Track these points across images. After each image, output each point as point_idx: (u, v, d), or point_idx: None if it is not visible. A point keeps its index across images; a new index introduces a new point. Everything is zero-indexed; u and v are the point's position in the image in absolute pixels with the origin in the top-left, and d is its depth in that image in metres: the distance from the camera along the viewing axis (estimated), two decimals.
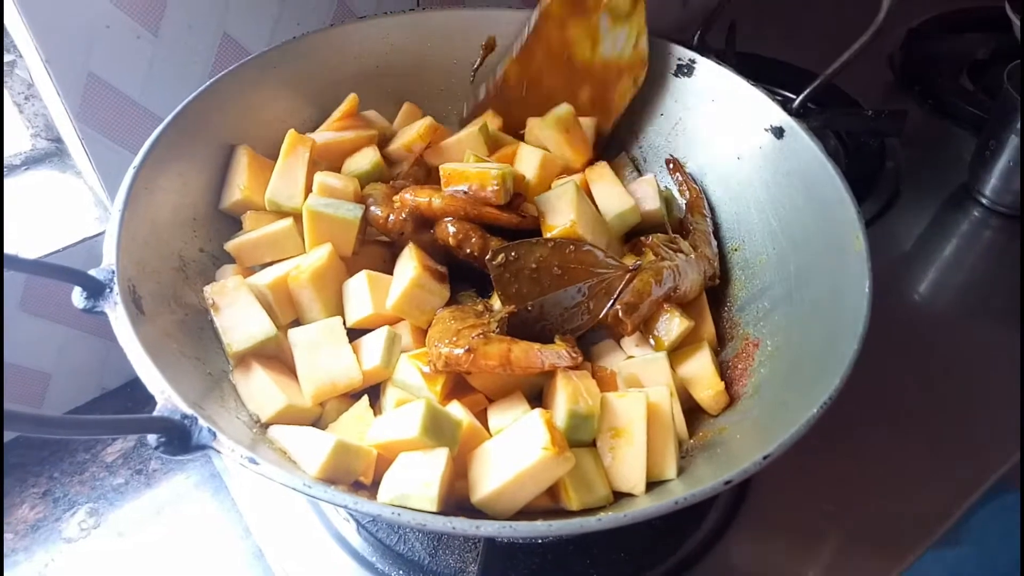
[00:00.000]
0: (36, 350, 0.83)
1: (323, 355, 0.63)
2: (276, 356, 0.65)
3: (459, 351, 0.59)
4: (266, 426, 0.60)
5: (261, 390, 0.62)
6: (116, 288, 0.54)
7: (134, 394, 0.92)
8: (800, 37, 1.30)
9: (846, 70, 0.75)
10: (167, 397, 0.49)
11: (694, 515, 0.76)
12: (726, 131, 0.79)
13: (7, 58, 0.78)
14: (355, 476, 0.57)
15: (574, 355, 0.63)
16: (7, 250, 0.48)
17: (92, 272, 0.54)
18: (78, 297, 0.54)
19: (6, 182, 0.86)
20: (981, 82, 1.28)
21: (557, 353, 0.62)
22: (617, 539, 0.73)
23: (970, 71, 1.30)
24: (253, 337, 0.63)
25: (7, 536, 0.78)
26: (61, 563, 0.77)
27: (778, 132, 0.74)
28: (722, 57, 0.80)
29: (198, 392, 0.55)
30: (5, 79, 0.80)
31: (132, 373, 0.89)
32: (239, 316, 0.64)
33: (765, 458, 0.50)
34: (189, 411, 0.48)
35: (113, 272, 0.55)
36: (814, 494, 0.79)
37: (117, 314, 0.53)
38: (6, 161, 0.86)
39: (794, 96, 0.76)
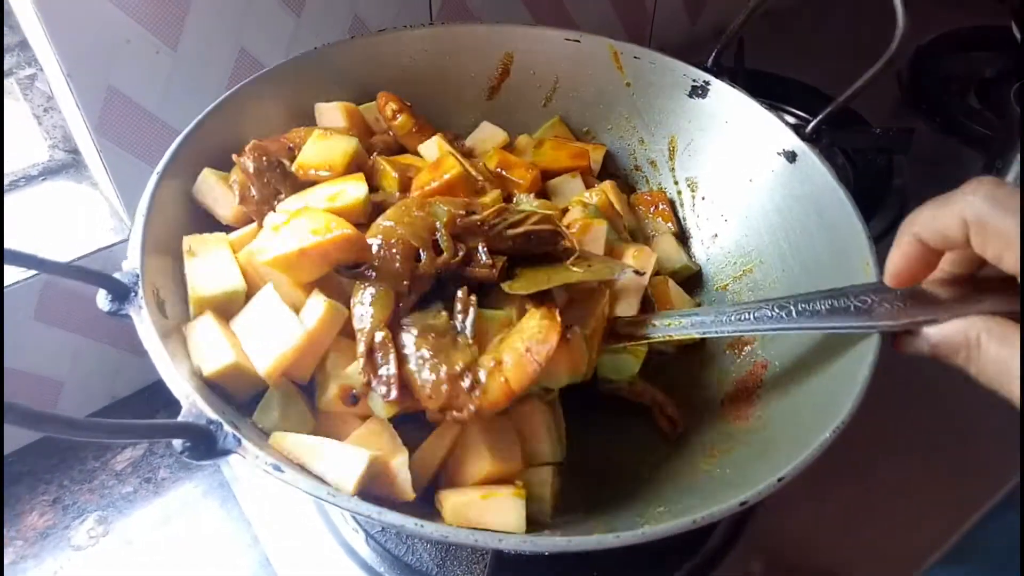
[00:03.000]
0: (50, 358, 0.83)
1: (265, 324, 0.59)
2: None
3: (467, 411, 0.55)
4: (207, 381, 0.56)
5: (210, 344, 0.57)
6: (141, 291, 0.54)
7: (146, 402, 0.92)
8: (809, 55, 1.30)
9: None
10: (192, 402, 0.49)
11: (701, 529, 0.77)
12: (739, 153, 0.79)
13: (28, 71, 0.79)
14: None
15: (556, 323, 0.58)
16: (35, 252, 0.48)
17: (116, 275, 0.54)
18: (103, 300, 0.53)
19: (23, 192, 0.87)
20: (988, 100, 1.29)
21: (542, 340, 0.57)
22: (625, 553, 0.73)
23: (978, 89, 1.31)
24: (221, 286, 0.60)
25: (17, 543, 0.79)
26: (70, 570, 0.77)
27: (791, 156, 0.74)
28: (732, 75, 0.80)
29: (220, 395, 0.56)
30: (25, 92, 0.81)
31: (144, 381, 0.92)
32: (212, 266, 0.61)
33: (780, 480, 0.50)
34: (214, 416, 0.48)
35: (138, 275, 0.55)
36: (819, 508, 0.79)
37: (142, 317, 0.53)
38: (24, 171, 0.87)
39: (803, 114, 0.77)
